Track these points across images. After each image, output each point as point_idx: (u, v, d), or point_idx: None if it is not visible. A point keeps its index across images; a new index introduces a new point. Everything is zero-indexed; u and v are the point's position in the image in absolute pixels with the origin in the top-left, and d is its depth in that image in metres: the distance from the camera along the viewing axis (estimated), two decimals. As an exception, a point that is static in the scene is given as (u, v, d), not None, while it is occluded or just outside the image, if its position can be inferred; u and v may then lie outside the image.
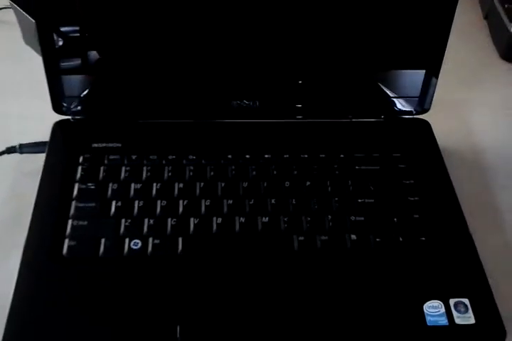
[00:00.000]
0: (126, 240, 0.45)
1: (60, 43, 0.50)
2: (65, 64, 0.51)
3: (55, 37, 0.49)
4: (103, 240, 0.45)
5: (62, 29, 0.49)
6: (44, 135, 0.53)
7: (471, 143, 0.59)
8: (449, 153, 0.55)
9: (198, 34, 0.50)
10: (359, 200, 0.49)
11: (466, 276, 0.45)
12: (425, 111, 0.55)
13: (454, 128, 0.60)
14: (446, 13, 0.49)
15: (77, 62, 0.51)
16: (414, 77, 0.54)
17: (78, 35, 0.50)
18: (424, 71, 0.53)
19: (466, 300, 0.43)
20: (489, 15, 0.73)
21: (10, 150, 0.52)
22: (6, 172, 0.53)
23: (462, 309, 0.43)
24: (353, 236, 0.46)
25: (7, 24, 0.68)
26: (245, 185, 0.49)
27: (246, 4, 0.48)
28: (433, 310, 0.43)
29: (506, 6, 0.68)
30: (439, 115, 0.55)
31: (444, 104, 0.55)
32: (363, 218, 0.47)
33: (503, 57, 0.69)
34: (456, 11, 0.49)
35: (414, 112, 0.55)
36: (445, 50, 0.51)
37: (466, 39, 0.71)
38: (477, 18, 0.75)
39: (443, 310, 0.43)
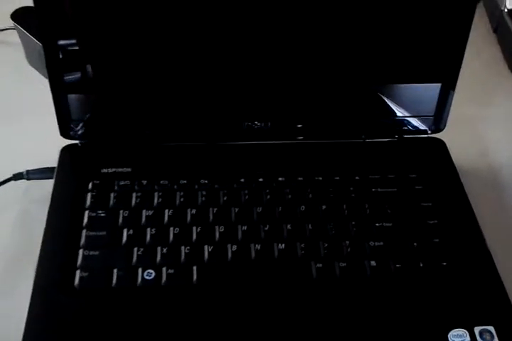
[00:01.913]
0: (139, 270, 0.43)
1: (67, 67, 0.49)
2: (72, 88, 0.49)
3: (62, 60, 0.48)
4: (115, 270, 0.43)
5: (69, 52, 0.48)
6: (51, 160, 0.51)
7: (486, 161, 0.58)
8: (464, 172, 0.54)
9: (209, 56, 0.49)
10: (377, 224, 0.47)
11: (490, 302, 0.43)
12: (440, 130, 0.54)
13: (468, 146, 0.59)
14: (463, 21, 0.48)
15: (84, 85, 0.50)
16: (428, 96, 0.53)
17: (85, 58, 0.49)
18: (439, 89, 0.52)
19: (491, 328, 0.42)
20: (499, 29, 0.72)
21: (17, 176, 0.51)
22: (13, 200, 0.51)
23: (488, 337, 0.42)
24: (373, 263, 0.45)
25: (10, 45, 0.66)
26: (259, 210, 0.48)
27: (254, 26, 0.47)
28: (458, 339, 0.42)
29: (516, 19, 0.67)
30: (451, 132, 0.54)
31: (456, 120, 0.54)
32: (381, 243, 0.46)
33: (515, 72, 0.68)
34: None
35: (429, 131, 0.54)
36: (461, 63, 0.50)
37: (476, 53, 0.70)
38: (486, 31, 0.74)
39: (468, 338, 0.42)
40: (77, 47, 0.48)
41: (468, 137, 0.60)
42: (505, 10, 0.69)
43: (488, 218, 0.50)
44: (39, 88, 0.61)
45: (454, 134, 0.54)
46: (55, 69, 0.48)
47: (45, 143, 0.52)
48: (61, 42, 0.47)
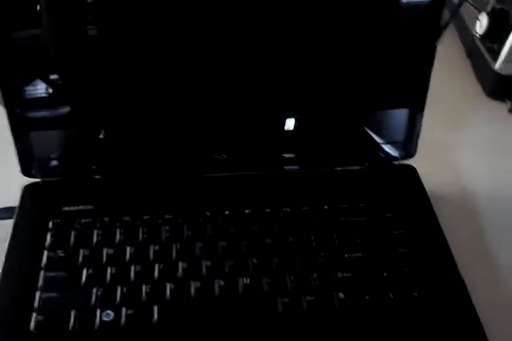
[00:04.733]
0: (98, 311, 0.42)
1: (26, 103, 0.48)
2: (32, 124, 0.49)
3: (21, 94, 0.47)
4: (73, 312, 0.42)
5: (29, 86, 0.47)
6: (14, 199, 0.50)
7: (459, 187, 0.57)
8: (437, 198, 0.52)
9: (173, 89, 0.48)
10: (346, 255, 0.46)
11: (464, 335, 0.42)
12: (410, 156, 0.53)
13: (440, 172, 0.57)
14: (428, 45, 0.48)
15: (44, 122, 0.49)
16: (397, 122, 0.52)
17: (48, 93, 0.48)
18: (407, 113, 0.51)
19: (466, 361, 0.40)
20: (472, 54, 0.72)
21: (-23, 217, 0.50)
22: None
23: (463, 371, 0.40)
24: (341, 295, 0.43)
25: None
26: (224, 244, 0.46)
27: (221, 58, 0.47)
28: (431, 373, 0.40)
29: (488, 44, 0.67)
30: (423, 158, 0.53)
31: (430, 146, 0.53)
32: (350, 274, 0.45)
33: (489, 95, 0.68)
34: (439, 49, 0.48)
35: (399, 158, 0.53)
36: (428, 88, 0.50)
37: (450, 78, 0.69)
38: (459, 56, 0.74)
39: (442, 373, 0.40)
40: (40, 83, 0.47)
41: (442, 163, 0.59)
42: (477, 35, 0.69)
43: (462, 245, 0.48)
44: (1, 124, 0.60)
45: (428, 160, 0.53)
46: (14, 105, 0.47)
47: (8, 181, 0.51)
48: (20, 76, 0.46)
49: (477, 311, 0.43)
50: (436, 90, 0.51)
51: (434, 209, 0.50)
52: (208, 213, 0.49)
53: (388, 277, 0.45)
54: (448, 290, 0.44)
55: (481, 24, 0.68)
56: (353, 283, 0.44)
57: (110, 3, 0.44)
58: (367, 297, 0.43)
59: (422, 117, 0.51)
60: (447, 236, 0.48)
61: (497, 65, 0.65)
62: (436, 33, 0.48)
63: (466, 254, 0.47)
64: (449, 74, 0.69)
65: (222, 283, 0.44)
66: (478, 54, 0.69)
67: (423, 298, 0.43)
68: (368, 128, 0.52)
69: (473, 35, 0.70)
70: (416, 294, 0.44)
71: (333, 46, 0.47)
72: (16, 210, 0.49)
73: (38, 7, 0.43)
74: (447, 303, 0.43)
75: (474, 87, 0.69)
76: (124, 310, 0.42)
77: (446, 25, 0.60)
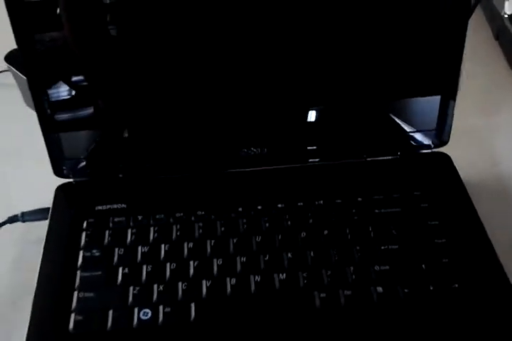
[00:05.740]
0: (135, 310, 0.42)
1: (57, 105, 0.48)
2: (62, 126, 0.49)
3: (50, 97, 0.47)
4: (111, 312, 0.42)
5: (57, 89, 0.47)
6: (48, 200, 0.50)
7: (495, 173, 0.55)
8: (472, 186, 0.51)
9: (200, 86, 0.48)
10: (382, 247, 0.45)
11: (507, 327, 0.41)
12: (444, 143, 0.52)
13: (474, 158, 0.56)
14: (458, 32, 0.47)
15: (75, 123, 0.49)
16: (428, 108, 0.51)
17: (75, 95, 0.48)
18: (439, 100, 0.50)
19: (510, 353, 0.39)
20: (500, 35, 0.70)
21: (12, 219, 0.50)
22: (9, 244, 0.50)
23: (507, 363, 0.39)
24: (379, 289, 0.43)
25: (8, 87, 0.66)
26: (259, 239, 0.46)
27: (246, 50, 0.46)
28: (475, 366, 0.39)
29: (518, 25, 0.65)
30: (457, 145, 0.52)
31: (461, 131, 0.51)
32: (387, 267, 0.44)
33: (521, 78, 0.66)
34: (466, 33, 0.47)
35: (432, 146, 0.52)
36: (459, 73, 0.49)
37: (479, 61, 0.68)
38: (487, 39, 0.72)
39: (487, 365, 0.39)
40: (69, 85, 0.47)
41: (476, 149, 0.58)
42: (506, 15, 0.67)
43: (500, 234, 0.47)
44: (35, 128, 0.61)
45: (461, 147, 0.52)
46: (44, 107, 0.47)
47: (43, 183, 0.51)
48: (49, 78, 0.47)
49: (520, 301, 0.42)
50: (467, 75, 0.49)
51: (470, 197, 0.49)
52: (240, 209, 0.48)
53: (427, 269, 0.44)
54: (489, 281, 0.43)
55: (510, 3, 0.66)
56: (391, 276, 0.43)
57: (129, 3, 0.43)
58: (406, 290, 0.42)
59: (454, 103, 0.50)
60: (485, 225, 0.47)
61: (528, 46, 0.63)
62: (465, 16, 0.47)
63: (505, 242, 0.46)
64: (477, 58, 0.68)
65: (258, 278, 0.43)
66: (508, 35, 0.67)
67: (464, 290, 0.42)
68: (399, 116, 0.51)
69: (502, 15, 0.68)
70: (456, 285, 0.43)
71: (363, 33, 0.46)
72: (50, 211, 0.49)
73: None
74: (489, 294, 0.42)
75: (504, 70, 0.68)
76: (161, 308, 0.42)
77: (475, 6, 0.59)
